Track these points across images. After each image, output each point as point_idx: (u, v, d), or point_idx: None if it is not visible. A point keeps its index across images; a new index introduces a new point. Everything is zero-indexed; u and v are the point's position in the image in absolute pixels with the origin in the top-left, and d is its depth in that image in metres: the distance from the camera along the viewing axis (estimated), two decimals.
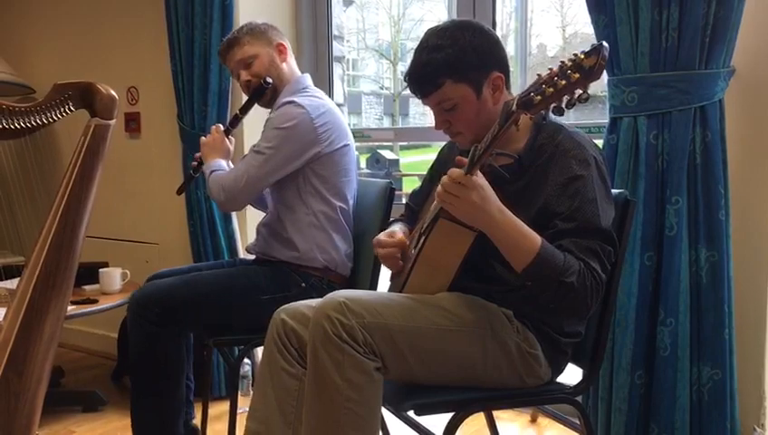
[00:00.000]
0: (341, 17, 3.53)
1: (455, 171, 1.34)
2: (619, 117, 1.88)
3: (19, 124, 1.57)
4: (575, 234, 1.39)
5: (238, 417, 1.98)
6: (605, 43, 1.14)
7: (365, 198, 2.18)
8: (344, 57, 3.78)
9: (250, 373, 2.81)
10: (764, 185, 1.85)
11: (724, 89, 1.81)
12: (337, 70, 3.14)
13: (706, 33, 1.75)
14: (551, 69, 1.20)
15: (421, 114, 3.97)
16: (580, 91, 1.17)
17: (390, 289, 1.68)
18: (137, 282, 2.61)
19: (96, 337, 3.44)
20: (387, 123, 4.62)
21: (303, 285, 2.04)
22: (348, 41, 4.01)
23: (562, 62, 1.18)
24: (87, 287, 2.60)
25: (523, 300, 1.48)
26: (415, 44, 1.55)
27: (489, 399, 1.52)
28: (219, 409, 2.65)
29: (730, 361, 1.82)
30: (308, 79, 2.20)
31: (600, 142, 1.92)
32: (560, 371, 1.58)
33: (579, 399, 1.59)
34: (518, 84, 2.63)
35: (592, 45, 1.15)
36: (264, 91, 2.12)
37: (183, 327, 2.01)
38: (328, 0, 2.98)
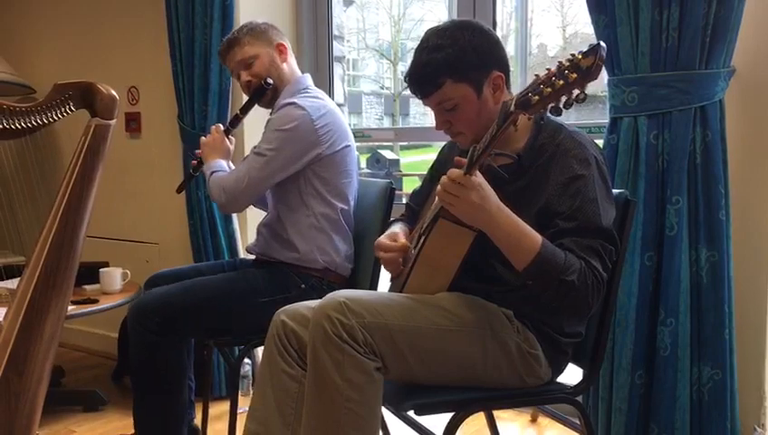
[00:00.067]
0: (342, 17, 3.53)
1: (454, 171, 1.34)
2: (620, 117, 1.88)
3: (19, 124, 1.57)
4: (576, 233, 1.39)
5: (238, 417, 1.99)
6: (602, 44, 1.14)
7: (365, 198, 2.18)
8: (344, 57, 3.78)
9: (250, 373, 2.81)
10: (765, 185, 1.85)
11: (724, 89, 1.81)
12: (337, 70, 3.14)
13: (707, 33, 1.75)
14: (548, 69, 1.20)
15: (422, 114, 3.97)
16: (578, 92, 1.17)
17: (391, 289, 1.68)
18: (137, 282, 2.62)
19: (96, 337, 3.44)
20: (387, 123, 4.62)
21: (303, 286, 2.04)
22: (348, 41, 4.01)
23: (560, 62, 1.18)
24: (87, 287, 2.60)
25: (523, 300, 1.48)
26: (415, 44, 1.55)
27: (489, 399, 1.52)
28: (219, 409, 2.65)
29: (730, 361, 1.82)
30: (308, 79, 2.20)
31: (600, 142, 1.92)
32: (560, 371, 1.58)
33: (579, 399, 1.59)
34: (518, 84, 2.63)
35: (590, 45, 1.15)
36: (265, 92, 2.12)
37: (183, 335, 2.00)
38: (328, 0, 2.98)
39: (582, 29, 2.87)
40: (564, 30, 3.14)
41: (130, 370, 2.06)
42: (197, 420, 2.25)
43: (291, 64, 2.19)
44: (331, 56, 3.02)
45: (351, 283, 2.15)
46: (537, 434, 2.48)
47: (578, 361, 1.62)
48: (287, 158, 2.01)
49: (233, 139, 2.24)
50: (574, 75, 1.15)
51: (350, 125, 2.22)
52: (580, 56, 1.16)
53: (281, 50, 2.16)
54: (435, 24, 1.57)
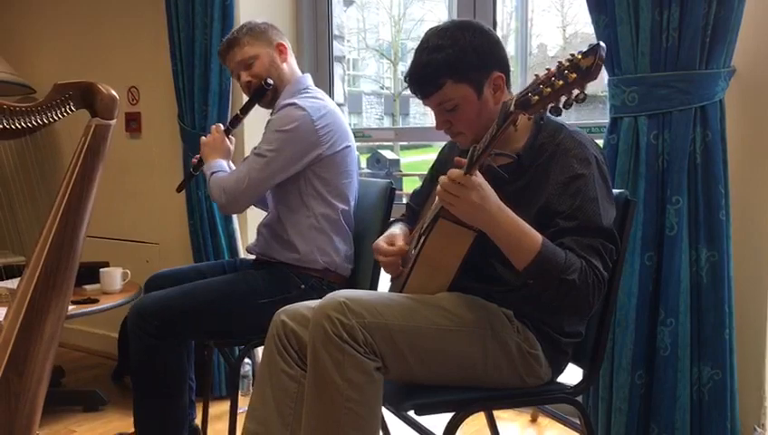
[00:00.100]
0: (342, 17, 3.53)
1: (454, 171, 1.34)
2: (620, 117, 1.88)
3: (20, 124, 1.57)
4: (576, 232, 1.39)
5: (238, 417, 1.98)
6: (602, 44, 1.14)
7: (365, 198, 2.18)
8: (345, 57, 3.78)
9: (250, 373, 2.81)
10: (765, 185, 1.85)
11: (724, 89, 1.81)
12: (337, 70, 3.14)
13: (707, 33, 1.75)
14: (548, 69, 1.20)
15: (422, 114, 3.97)
16: (578, 92, 1.17)
17: (391, 289, 1.68)
18: (137, 282, 2.62)
19: (97, 337, 3.44)
20: (387, 123, 4.62)
21: (303, 286, 2.04)
22: (348, 41, 4.01)
23: (560, 62, 1.18)
24: (88, 287, 2.60)
25: (523, 300, 1.48)
26: (415, 44, 1.55)
27: (489, 399, 1.52)
28: (220, 408, 2.65)
29: (730, 361, 1.82)
30: (308, 79, 2.19)
31: (600, 142, 1.92)
32: (560, 371, 1.58)
33: (579, 399, 1.59)
34: (518, 84, 2.63)
35: (590, 46, 1.15)
36: (265, 93, 2.12)
37: (183, 338, 2.00)
38: (328, 0, 2.98)
39: (582, 29, 2.88)
40: (564, 30, 3.14)
41: (131, 372, 2.06)
42: (198, 420, 2.26)
43: (291, 64, 2.19)
44: (332, 56, 3.02)
45: (351, 283, 2.15)
46: (537, 434, 2.48)
47: (578, 361, 1.62)
48: (288, 159, 2.01)
49: (233, 138, 2.24)
50: (574, 75, 1.15)
51: (350, 125, 2.21)
52: (579, 56, 1.16)
53: (281, 50, 2.15)
54: (435, 24, 1.57)
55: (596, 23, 1.89)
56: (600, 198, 1.41)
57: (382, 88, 4.73)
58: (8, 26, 3.64)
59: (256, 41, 2.12)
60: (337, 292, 1.42)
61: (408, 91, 1.60)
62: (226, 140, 2.19)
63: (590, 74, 1.14)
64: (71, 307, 2.23)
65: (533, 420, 2.53)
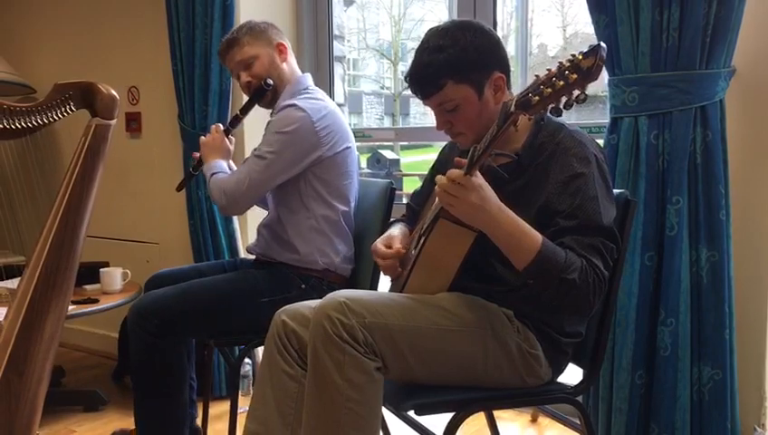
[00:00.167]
0: (342, 17, 3.53)
1: (454, 172, 1.34)
2: (620, 117, 1.88)
3: (20, 124, 1.57)
4: (577, 231, 1.39)
5: (239, 417, 1.99)
6: (603, 44, 1.14)
7: (366, 199, 2.18)
8: (345, 57, 3.78)
9: (251, 373, 2.81)
10: (765, 185, 1.85)
11: (724, 89, 1.81)
12: (338, 69, 3.14)
13: (707, 33, 1.75)
14: (549, 70, 1.20)
15: (422, 114, 3.97)
16: (578, 92, 1.16)
17: (391, 289, 1.68)
18: (137, 282, 2.62)
19: (97, 337, 3.44)
20: (387, 123, 4.62)
21: (303, 286, 2.04)
22: (348, 40, 4.01)
23: (560, 62, 1.18)
24: (88, 287, 2.60)
25: (523, 300, 1.48)
26: (416, 44, 1.55)
27: (490, 399, 1.52)
28: (220, 408, 2.65)
29: (730, 361, 1.82)
30: (309, 79, 2.19)
31: (600, 142, 1.91)
32: (560, 371, 1.58)
33: (579, 399, 1.59)
34: (519, 84, 2.63)
35: (590, 46, 1.15)
36: (265, 93, 2.11)
37: (183, 337, 2.00)
38: (328, 0, 2.98)
39: (583, 29, 2.88)
40: (564, 30, 3.14)
41: (131, 372, 2.06)
42: (198, 420, 2.25)
43: (291, 64, 2.18)
44: (332, 56, 3.02)
45: (352, 283, 2.15)
46: (537, 434, 2.48)
47: (578, 361, 1.62)
48: (288, 160, 2.00)
49: (233, 139, 2.23)
50: (574, 76, 1.15)
51: (350, 125, 2.21)
52: (580, 57, 1.15)
53: (281, 50, 2.15)
54: (435, 24, 1.56)
55: (596, 23, 1.89)
56: (600, 196, 1.41)
57: (382, 88, 4.74)
58: (8, 26, 3.64)
59: (256, 41, 2.11)
60: (337, 292, 1.42)
61: (408, 92, 1.60)
62: (226, 140, 2.19)
63: (591, 75, 1.14)
64: (71, 307, 2.23)
65: (534, 420, 2.53)
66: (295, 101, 2.03)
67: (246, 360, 2.79)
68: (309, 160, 2.02)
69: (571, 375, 1.63)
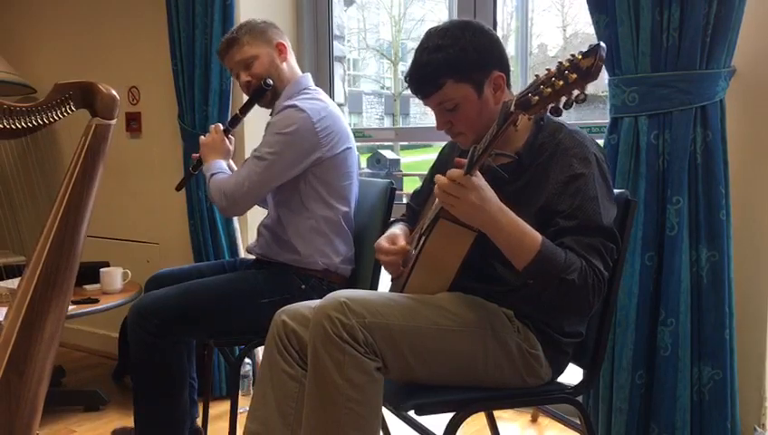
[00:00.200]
0: (342, 17, 3.53)
1: (454, 172, 1.34)
2: (620, 117, 1.88)
3: (20, 124, 1.57)
4: (577, 232, 1.39)
5: (239, 417, 1.99)
6: (602, 44, 1.14)
7: (366, 199, 2.18)
8: (345, 57, 3.78)
9: (251, 373, 2.81)
10: (765, 185, 1.85)
11: (724, 89, 1.81)
12: (338, 69, 3.14)
13: (707, 32, 1.75)
14: (548, 70, 1.20)
15: (422, 114, 3.98)
16: (578, 92, 1.16)
17: (391, 289, 1.68)
18: (138, 282, 2.62)
19: (97, 337, 3.44)
20: (388, 123, 4.63)
21: (303, 286, 2.04)
22: (349, 40, 4.01)
23: (560, 62, 1.18)
24: (88, 287, 2.60)
25: (523, 300, 1.48)
26: (416, 44, 1.55)
27: (490, 398, 1.52)
28: (220, 408, 2.65)
29: (731, 361, 1.82)
30: (308, 78, 2.18)
31: (600, 142, 1.91)
32: (560, 371, 1.58)
33: (579, 399, 1.59)
34: (519, 84, 2.63)
35: (590, 46, 1.15)
36: (265, 93, 2.11)
37: (182, 337, 2.00)
38: (328, 0, 2.98)
39: (583, 29, 2.88)
40: (564, 30, 3.14)
41: (131, 371, 2.05)
42: (198, 420, 2.25)
43: (291, 64, 2.18)
44: (332, 56, 3.02)
45: (352, 283, 2.14)
46: (537, 434, 2.48)
47: (578, 361, 1.62)
48: (288, 161, 2.00)
49: (232, 138, 2.23)
50: (574, 76, 1.14)
51: (350, 125, 2.21)
52: (580, 57, 1.15)
53: (280, 49, 2.14)
54: (435, 24, 1.56)
55: (596, 23, 1.89)
56: (600, 197, 1.41)
57: (383, 88, 4.74)
58: (8, 26, 3.64)
59: (256, 40, 2.11)
60: (337, 292, 1.42)
61: (408, 91, 1.60)
62: (226, 140, 2.18)
63: (591, 75, 1.14)
64: (71, 307, 2.23)
65: (534, 420, 2.53)
66: (295, 102, 2.02)
67: (246, 360, 2.79)
68: (309, 161, 2.02)
69: (571, 375, 1.63)
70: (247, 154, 2.12)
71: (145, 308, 1.94)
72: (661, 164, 1.83)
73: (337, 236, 2.09)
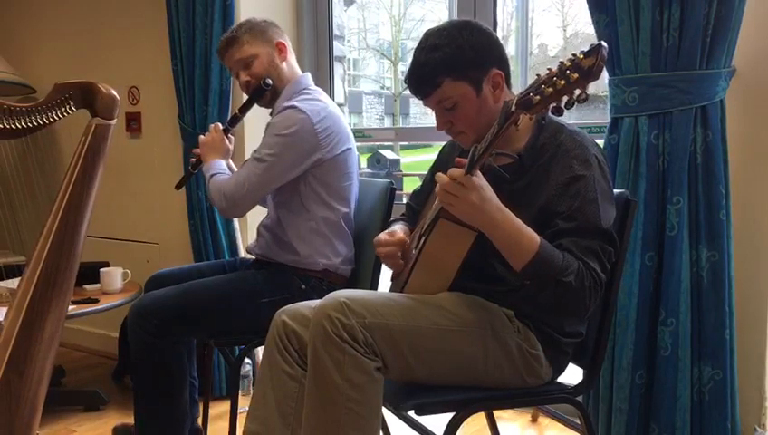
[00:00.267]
0: (342, 17, 3.53)
1: (454, 171, 1.34)
2: (620, 117, 1.88)
3: (20, 124, 1.57)
4: (575, 233, 1.39)
5: (239, 417, 1.99)
6: (604, 44, 1.14)
7: (366, 199, 2.18)
8: (345, 57, 3.78)
9: (251, 373, 2.81)
10: (765, 185, 1.85)
11: (725, 89, 1.81)
12: (338, 69, 3.14)
13: (707, 32, 1.75)
14: (550, 69, 1.20)
15: (422, 114, 3.98)
16: (579, 92, 1.16)
17: (391, 289, 1.68)
18: (138, 282, 2.62)
19: (97, 337, 3.44)
20: (388, 123, 4.63)
21: (303, 286, 2.04)
22: (349, 40, 4.01)
23: (561, 62, 1.18)
24: (88, 287, 2.60)
25: (523, 300, 1.48)
26: (416, 44, 1.55)
27: (490, 399, 1.52)
28: (220, 408, 2.65)
29: (731, 361, 1.82)
30: (308, 78, 2.18)
31: (600, 142, 1.91)
32: (561, 371, 1.58)
33: (579, 399, 1.59)
34: (519, 84, 2.63)
35: (591, 45, 1.15)
36: (264, 93, 2.10)
37: (182, 337, 2.00)
38: (328, 0, 2.98)
39: (583, 29, 2.88)
40: (565, 30, 3.14)
41: (131, 371, 2.05)
42: (198, 420, 2.25)
43: (290, 63, 2.17)
44: (332, 56, 3.02)
45: (352, 283, 2.14)
46: (537, 434, 2.48)
47: (578, 361, 1.62)
48: (288, 163, 1.99)
49: (232, 138, 2.23)
50: (576, 75, 1.14)
51: (350, 125, 2.20)
52: (581, 56, 1.15)
53: (280, 49, 2.14)
54: (435, 25, 1.57)
55: (596, 23, 1.89)
56: (600, 199, 1.41)
57: (383, 88, 4.74)
58: (8, 26, 3.64)
59: (255, 40, 2.10)
60: (337, 292, 1.42)
61: (408, 91, 1.60)
62: (225, 139, 2.18)
63: (592, 74, 1.14)
64: (71, 307, 2.23)
65: (534, 420, 2.53)
66: (295, 103, 2.02)
67: (246, 360, 2.79)
68: (309, 162, 2.01)
69: (571, 375, 1.63)
70: (247, 154, 2.12)
71: (145, 308, 1.94)
72: (661, 164, 1.83)
73: (337, 237, 2.09)
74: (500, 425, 1.98)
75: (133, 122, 3.20)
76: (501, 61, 1.53)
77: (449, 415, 1.43)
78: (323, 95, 2.14)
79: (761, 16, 1.81)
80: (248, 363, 2.81)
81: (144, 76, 3.15)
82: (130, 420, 2.11)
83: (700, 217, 1.81)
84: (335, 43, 3.06)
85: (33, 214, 2.67)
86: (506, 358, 1.47)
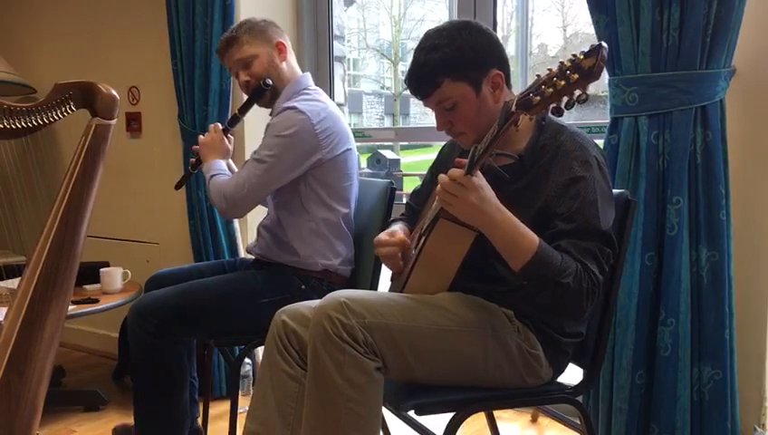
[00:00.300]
0: (342, 17, 3.53)
1: (455, 171, 1.34)
2: (620, 117, 1.88)
3: (20, 124, 1.57)
4: (574, 235, 1.39)
5: (239, 417, 1.99)
6: (604, 44, 1.14)
7: (366, 199, 2.18)
8: (345, 57, 3.78)
9: (251, 373, 2.81)
10: (765, 185, 1.85)
11: (725, 89, 1.81)
12: (338, 69, 3.14)
13: (707, 32, 1.75)
14: (550, 69, 1.20)
15: (422, 114, 3.98)
16: (580, 92, 1.16)
17: (391, 289, 1.68)
18: (138, 282, 2.62)
19: (97, 337, 3.44)
20: (388, 123, 4.63)
21: (303, 286, 2.03)
22: (349, 40, 4.01)
23: (561, 62, 1.18)
24: (88, 287, 2.60)
25: (523, 300, 1.48)
26: (416, 44, 1.55)
27: (490, 398, 1.52)
28: (220, 408, 2.65)
29: (731, 361, 1.82)
30: (308, 78, 2.17)
31: (600, 142, 1.92)
32: (561, 371, 1.58)
33: (579, 399, 1.59)
34: (519, 84, 2.63)
35: (591, 46, 1.15)
36: (264, 93, 2.10)
37: (182, 337, 2.00)
38: (328, 0, 2.98)
39: (583, 29, 2.88)
40: (565, 30, 3.14)
41: (131, 371, 2.05)
42: (198, 420, 2.25)
43: (290, 63, 2.17)
44: (332, 56, 3.02)
45: (352, 283, 2.14)
46: (537, 434, 2.48)
47: (578, 361, 1.62)
48: (288, 164, 1.99)
49: (232, 138, 2.22)
50: (576, 76, 1.14)
51: (350, 125, 2.20)
52: (581, 56, 1.15)
53: (280, 49, 2.13)
54: (435, 25, 1.57)
55: (596, 23, 1.89)
56: (600, 200, 1.41)
57: (383, 88, 4.74)
58: (8, 26, 3.64)
59: (255, 40, 2.10)
60: (337, 292, 1.42)
61: (408, 91, 1.60)
62: (225, 139, 2.17)
63: (592, 75, 1.14)
64: (71, 307, 2.23)
65: (534, 420, 2.53)
66: (295, 104, 2.01)
67: (246, 360, 2.79)
68: (309, 163, 2.01)
69: (571, 375, 1.63)
70: (247, 154, 2.12)
71: (145, 308, 1.94)
72: (661, 164, 1.83)
73: (337, 237, 2.09)
74: (500, 425, 1.98)
75: (133, 122, 3.20)
76: (501, 61, 1.53)
77: (449, 415, 1.43)
78: (323, 95, 2.14)
79: (761, 16, 1.81)
80: (248, 363, 2.81)
81: (144, 76, 3.15)
82: (130, 420, 2.11)
83: (700, 217, 1.81)
84: (335, 43, 3.06)
85: (33, 214, 2.67)
86: (506, 358, 1.47)
